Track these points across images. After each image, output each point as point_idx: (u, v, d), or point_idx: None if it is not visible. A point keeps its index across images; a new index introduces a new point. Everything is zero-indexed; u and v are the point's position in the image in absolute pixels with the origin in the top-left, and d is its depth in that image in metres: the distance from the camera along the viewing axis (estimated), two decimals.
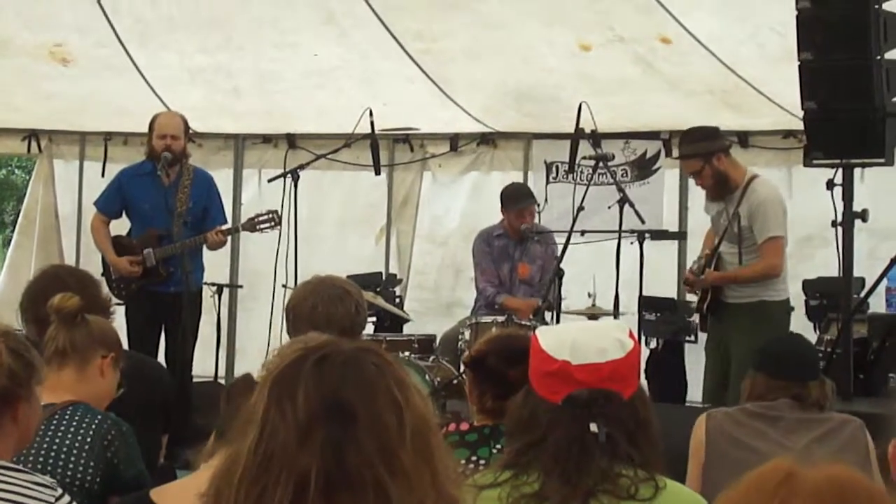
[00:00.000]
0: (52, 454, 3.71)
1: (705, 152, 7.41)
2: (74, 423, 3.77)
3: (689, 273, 7.68)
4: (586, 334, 2.96)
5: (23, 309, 4.67)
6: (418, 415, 1.92)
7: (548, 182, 10.64)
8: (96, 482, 3.72)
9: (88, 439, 3.75)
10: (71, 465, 3.71)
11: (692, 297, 7.84)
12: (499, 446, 3.71)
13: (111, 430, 3.79)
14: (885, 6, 6.76)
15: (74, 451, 3.72)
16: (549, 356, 2.90)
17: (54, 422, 3.75)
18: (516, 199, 9.23)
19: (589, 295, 8.52)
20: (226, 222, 9.00)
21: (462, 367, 4.04)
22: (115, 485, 3.76)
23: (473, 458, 3.79)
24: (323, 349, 1.96)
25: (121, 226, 9.03)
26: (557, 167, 10.62)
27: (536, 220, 9.52)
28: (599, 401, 2.84)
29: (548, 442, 2.84)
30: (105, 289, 6.33)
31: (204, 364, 9.64)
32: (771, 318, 7.30)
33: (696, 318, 9.96)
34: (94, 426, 3.78)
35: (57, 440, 3.72)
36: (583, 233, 8.59)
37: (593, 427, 2.81)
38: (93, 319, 4.08)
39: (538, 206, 9.62)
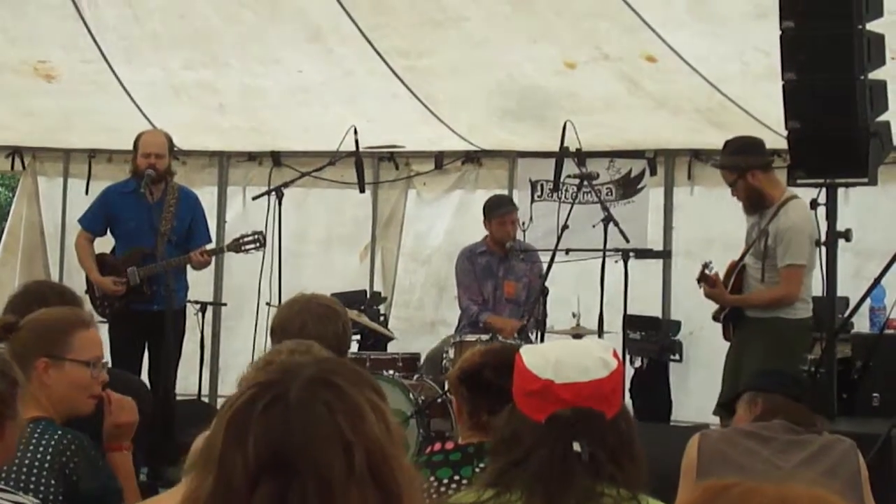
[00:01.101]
0: (14, 472, 3.67)
1: (740, 166, 7.38)
2: (34, 440, 3.74)
3: (702, 284, 7.59)
4: (570, 353, 2.95)
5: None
6: (374, 446, 1.91)
7: (533, 200, 10.64)
8: (59, 499, 3.69)
9: (48, 456, 3.71)
10: (32, 483, 3.67)
11: (713, 305, 7.78)
12: (482, 465, 3.69)
13: (70, 446, 3.74)
14: (869, 26, 6.77)
15: (35, 469, 3.69)
16: (533, 375, 2.89)
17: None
18: (497, 206, 9.27)
19: (573, 314, 8.52)
20: (210, 242, 9.00)
21: (447, 385, 3.99)
22: (76, 500, 3.72)
23: (456, 478, 3.76)
24: (274, 387, 1.94)
25: (106, 244, 9.01)
26: (542, 185, 10.62)
27: (521, 238, 9.52)
28: (583, 420, 2.84)
29: (531, 460, 2.83)
30: (88, 305, 6.32)
31: (187, 382, 9.62)
32: (784, 336, 7.31)
33: (681, 336, 10.06)
34: (53, 442, 3.74)
35: (17, 458, 3.68)
36: (567, 251, 8.60)
37: (576, 446, 2.81)
38: (19, 333, 3.92)
39: (523, 224, 9.63)
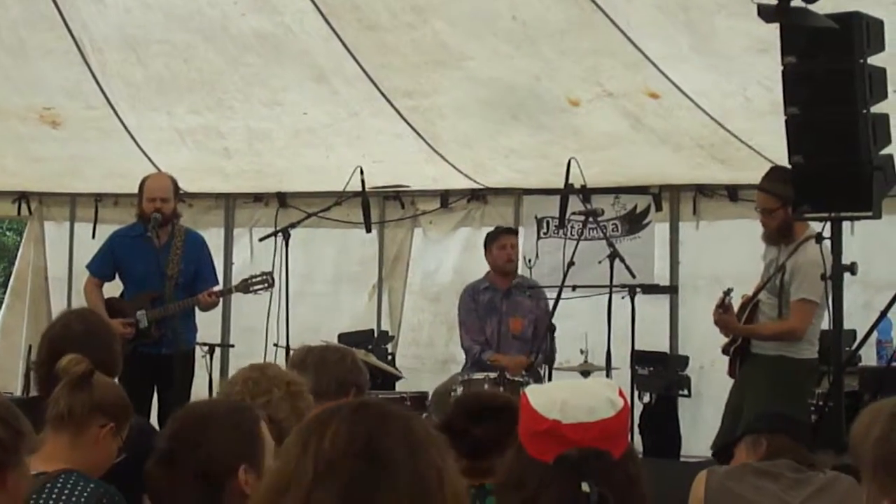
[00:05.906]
0: None
1: (788, 196, 7.25)
2: (66, 492, 3.76)
3: (716, 310, 7.57)
4: (576, 393, 2.95)
5: (38, 364, 4.76)
6: (457, 488, 1.98)
7: (538, 237, 10.66)
8: None
9: None
10: None
11: (724, 338, 7.76)
12: None
13: (102, 499, 3.78)
14: (871, 60, 6.79)
15: None
16: (540, 415, 2.89)
17: (45, 491, 3.73)
18: (496, 232, 9.34)
19: (581, 351, 8.51)
20: (217, 284, 8.99)
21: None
22: None
23: None
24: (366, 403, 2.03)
25: (114, 288, 9.02)
26: (548, 222, 10.64)
27: (527, 275, 9.53)
28: (590, 460, 2.83)
29: (539, 502, 2.83)
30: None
31: None
32: (787, 374, 7.29)
33: (690, 370, 10.05)
34: (85, 495, 3.76)
35: None
36: (574, 288, 8.60)
37: (585, 486, 2.80)
38: (99, 385, 4.02)
39: (529, 261, 9.64)
